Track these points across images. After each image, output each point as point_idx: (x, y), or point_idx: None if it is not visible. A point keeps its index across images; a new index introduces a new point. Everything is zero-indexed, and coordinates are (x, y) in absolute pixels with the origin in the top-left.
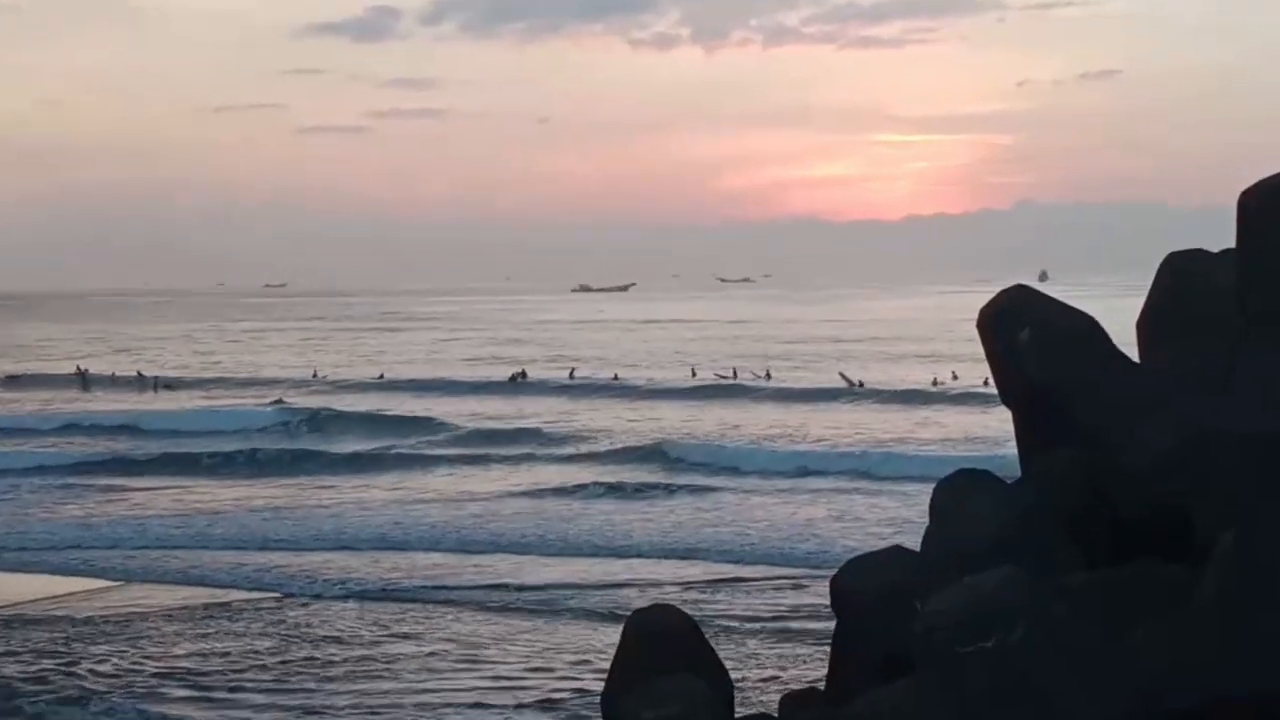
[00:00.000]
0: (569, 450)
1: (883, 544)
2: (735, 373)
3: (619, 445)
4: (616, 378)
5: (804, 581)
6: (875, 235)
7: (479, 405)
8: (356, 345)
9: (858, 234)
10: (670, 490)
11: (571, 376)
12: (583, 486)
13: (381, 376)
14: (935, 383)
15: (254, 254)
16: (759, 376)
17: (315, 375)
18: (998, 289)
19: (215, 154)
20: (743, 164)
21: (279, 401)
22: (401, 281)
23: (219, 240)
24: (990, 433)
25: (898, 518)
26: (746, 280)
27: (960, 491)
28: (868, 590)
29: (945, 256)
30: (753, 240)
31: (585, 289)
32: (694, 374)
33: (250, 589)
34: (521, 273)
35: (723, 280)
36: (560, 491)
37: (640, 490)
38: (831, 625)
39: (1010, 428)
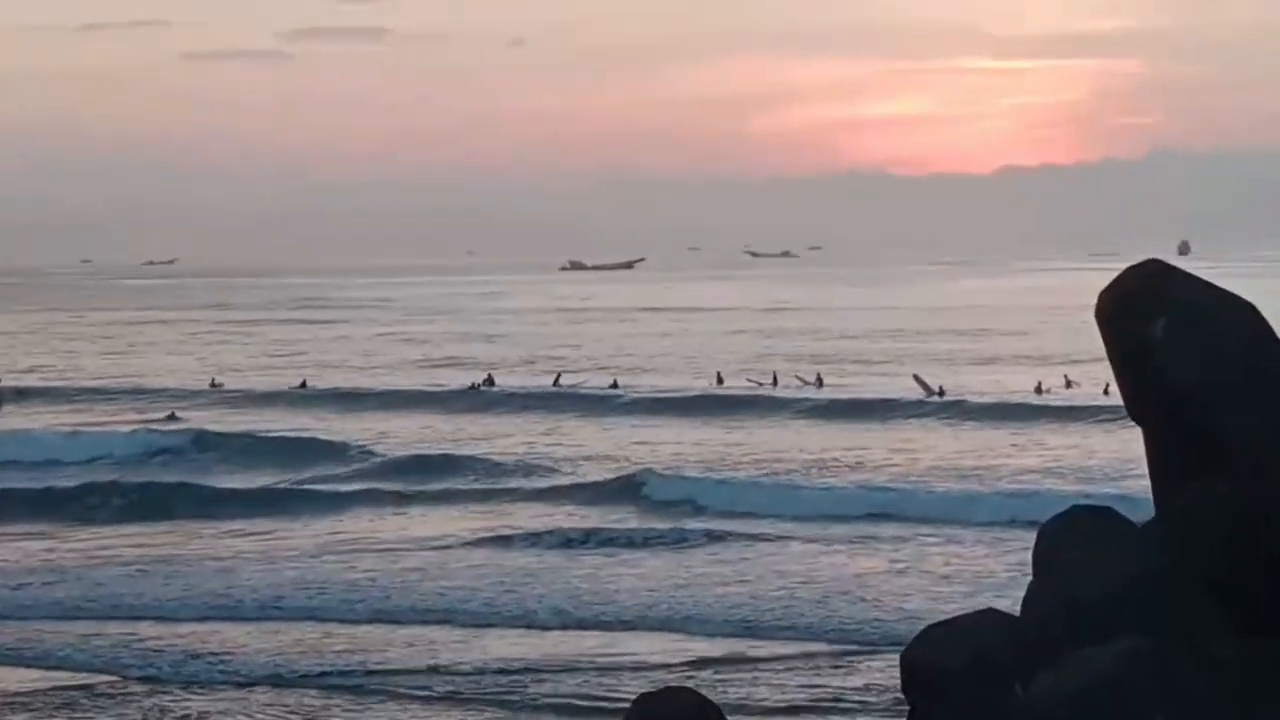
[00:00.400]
0: (542, 484)
1: (953, 607)
2: (775, 378)
3: (608, 476)
4: (615, 385)
5: (850, 658)
6: (960, 193)
7: (429, 423)
8: (270, 342)
9: (936, 192)
10: (675, 538)
11: (556, 384)
12: (554, 533)
13: (303, 384)
14: (1040, 390)
15: (132, 221)
16: (806, 383)
17: (214, 384)
18: (1124, 265)
19: (79, 87)
20: (783, 100)
21: (171, 418)
22: (329, 257)
23: (85, 204)
24: (1114, 458)
25: (982, 571)
26: (785, 254)
27: (1074, 535)
28: (952, 666)
29: (1053, 222)
30: (797, 201)
31: (578, 267)
32: (720, 380)
33: (109, 671)
34: (489, 245)
35: (754, 255)
36: (525, 539)
37: (630, 538)
38: (897, 717)
39: (1140, 450)
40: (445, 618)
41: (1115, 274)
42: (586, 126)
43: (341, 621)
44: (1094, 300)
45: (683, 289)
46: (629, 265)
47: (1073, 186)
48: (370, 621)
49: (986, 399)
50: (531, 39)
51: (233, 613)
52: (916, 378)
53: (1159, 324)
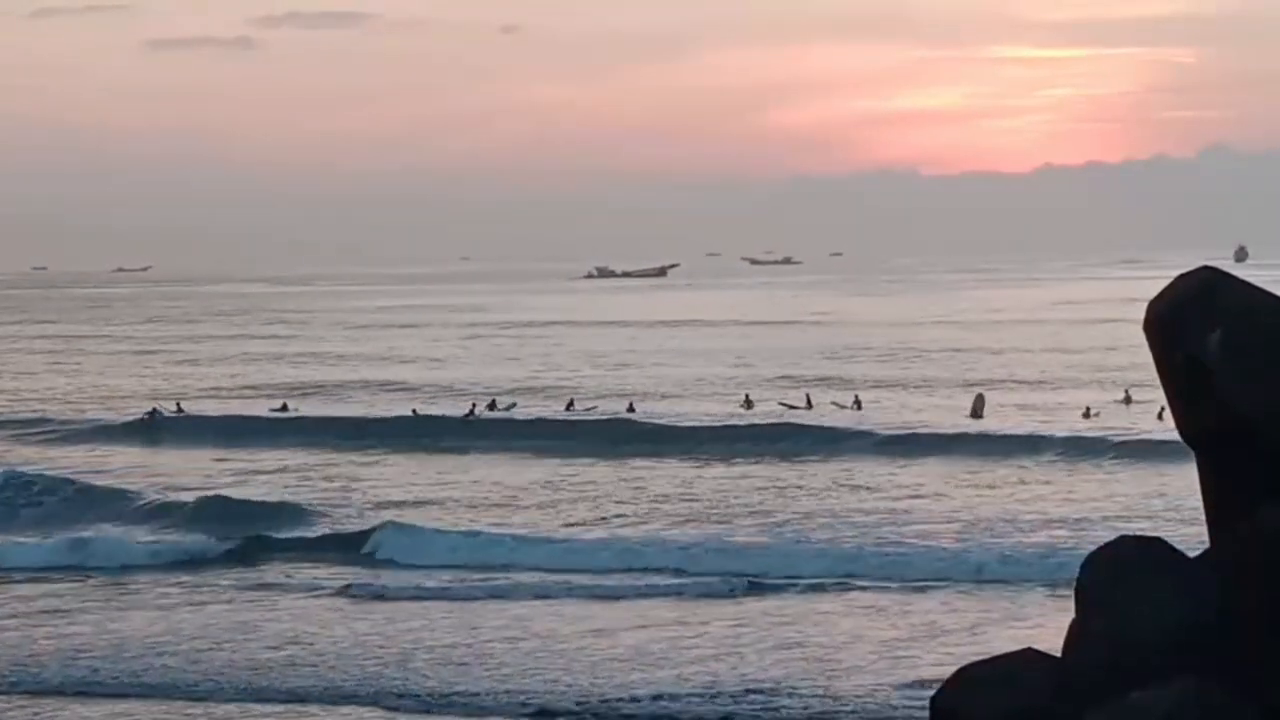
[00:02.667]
0: (294, 534)
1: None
2: (809, 401)
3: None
4: (631, 409)
5: None
6: (995, 194)
7: (413, 466)
8: (248, 359)
9: (970, 193)
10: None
11: (569, 408)
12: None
13: (283, 407)
14: (1089, 414)
15: (97, 223)
16: (844, 406)
17: (176, 409)
18: (1175, 273)
19: (34, 76)
20: (804, 93)
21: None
22: (306, 262)
23: (39, 203)
24: (1172, 491)
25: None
26: (787, 261)
27: (1121, 568)
28: (989, 713)
29: (1099, 225)
30: (820, 203)
31: (605, 274)
32: (749, 404)
33: None
34: (484, 248)
35: (753, 262)
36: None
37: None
38: None
39: (1194, 478)
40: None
41: (1166, 281)
42: (587, 121)
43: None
44: (1143, 312)
45: (704, 298)
46: (662, 271)
47: (1120, 187)
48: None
49: (1023, 426)
50: (525, 24)
51: None
52: (980, 397)
53: (1214, 338)
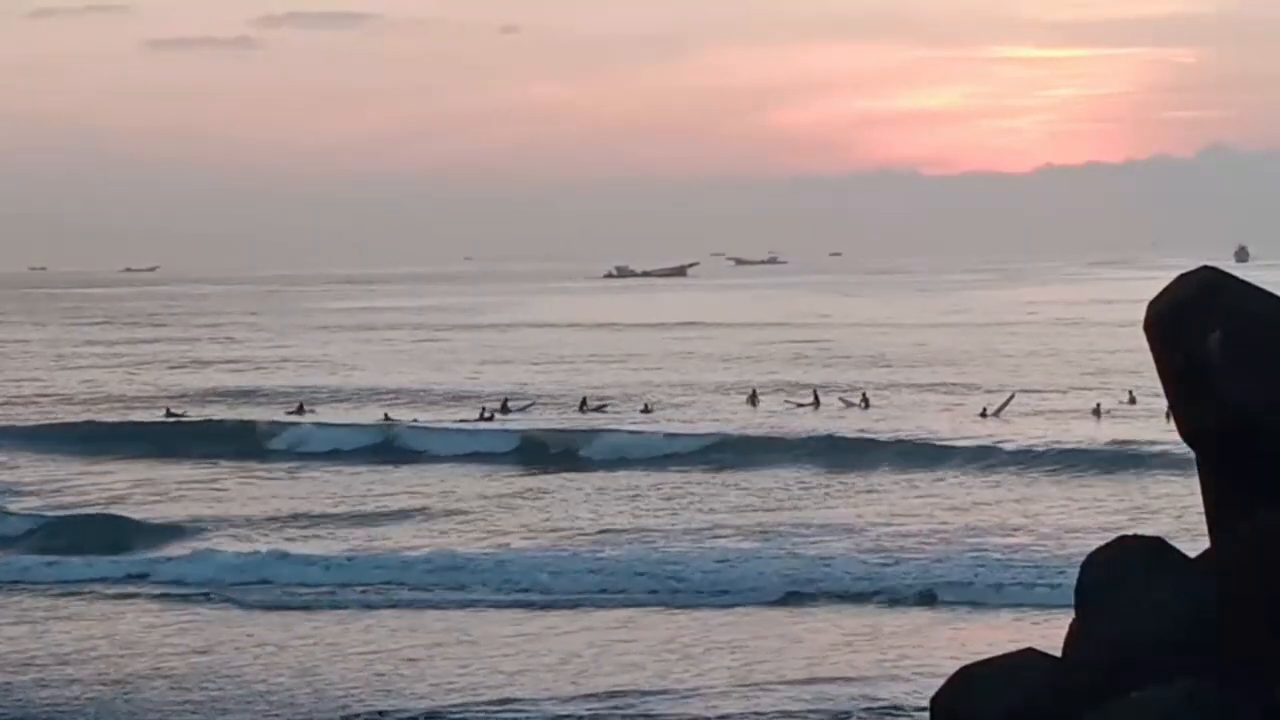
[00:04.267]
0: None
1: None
2: (817, 398)
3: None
4: (647, 409)
5: None
6: (996, 194)
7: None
8: (247, 363)
9: (970, 193)
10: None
11: (583, 408)
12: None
13: (300, 409)
14: (1098, 412)
15: (97, 223)
16: (851, 404)
17: (166, 414)
18: (1174, 273)
19: (32, 76)
20: (804, 93)
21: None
22: (307, 262)
23: (39, 203)
24: (1181, 494)
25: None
26: (773, 261)
27: (1121, 568)
28: (990, 712)
29: (1099, 225)
30: (821, 203)
31: (625, 273)
32: (754, 400)
33: None
34: (486, 249)
35: (738, 262)
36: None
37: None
38: None
39: (1195, 479)
40: None
41: (1165, 281)
42: (587, 121)
43: None
44: (1143, 312)
45: (707, 298)
46: (681, 271)
47: (1120, 187)
48: None
49: (1040, 433)
50: (525, 25)
51: None
52: (1012, 396)
53: (1214, 338)
